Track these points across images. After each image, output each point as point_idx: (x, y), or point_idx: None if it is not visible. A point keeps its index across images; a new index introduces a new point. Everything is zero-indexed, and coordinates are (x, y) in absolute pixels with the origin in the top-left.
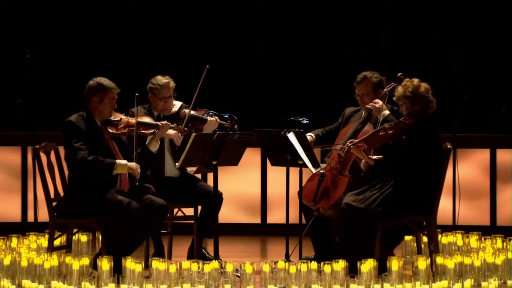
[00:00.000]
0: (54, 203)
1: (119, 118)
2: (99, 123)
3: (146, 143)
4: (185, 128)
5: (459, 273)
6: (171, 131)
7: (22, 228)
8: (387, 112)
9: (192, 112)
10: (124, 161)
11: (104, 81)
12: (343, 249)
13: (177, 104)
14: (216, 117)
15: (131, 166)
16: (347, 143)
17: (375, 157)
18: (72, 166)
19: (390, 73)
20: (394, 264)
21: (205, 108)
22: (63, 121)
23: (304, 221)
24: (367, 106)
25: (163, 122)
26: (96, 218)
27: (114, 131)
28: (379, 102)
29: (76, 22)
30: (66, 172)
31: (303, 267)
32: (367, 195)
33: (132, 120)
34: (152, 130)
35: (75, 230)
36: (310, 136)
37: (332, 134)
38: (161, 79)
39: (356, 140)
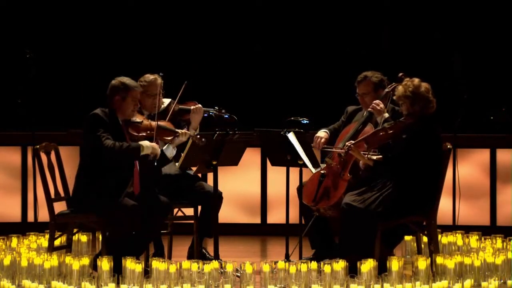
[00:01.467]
0: (55, 203)
1: (140, 120)
2: (121, 122)
3: (163, 149)
4: (203, 140)
5: (459, 273)
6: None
7: (22, 228)
8: (386, 114)
9: (178, 105)
10: (147, 142)
11: (127, 80)
12: (343, 249)
13: (165, 102)
14: (200, 105)
15: (154, 146)
16: (347, 143)
17: (375, 157)
18: (99, 154)
19: (390, 73)
20: (394, 264)
21: (194, 101)
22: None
23: (303, 221)
24: (368, 109)
25: (182, 130)
26: (97, 216)
27: (134, 133)
28: (380, 104)
29: (76, 22)
30: (66, 172)
31: (303, 267)
32: (367, 195)
33: (153, 123)
34: (171, 137)
35: (75, 230)
36: (325, 132)
37: (338, 133)
38: (149, 76)
39: (356, 140)
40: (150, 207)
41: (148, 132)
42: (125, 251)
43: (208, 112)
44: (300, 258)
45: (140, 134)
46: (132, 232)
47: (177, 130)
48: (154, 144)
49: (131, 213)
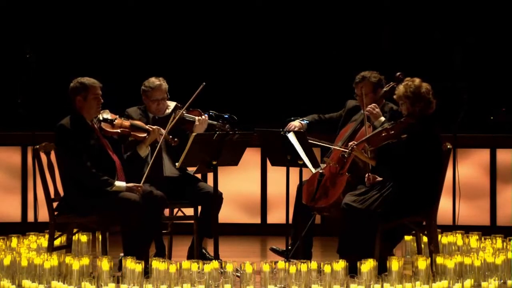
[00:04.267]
0: (55, 204)
1: (114, 118)
2: (89, 122)
3: (137, 148)
4: (175, 139)
5: (459, 273)
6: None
7: (22, 228)
8: (383, 118)
9: (184, 113)
10: (123, 185)
11: (84, 79)
12: (343, 249)
13: (171, 105)
14: (206, 116)
15: (129, 187)
16: (350, 144)
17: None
18: (70, 174)
19: (390, 73)
20: (394, 264)
21: (200, 108)
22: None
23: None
24: (365, 113)
25: (154, 127)
26: (97, 215)
27: (109, 129)
28: (376, 108)
29: (76, 22)
30: None
31: (303, 267)
32: (367, 195)
33: (126, 122)
34: (144, 135)
35: (75, 230)
36: (300, 123)
37: (333, 122)
38: (154, 81)
39: (359, 141)
40: (145, 202)
41: (121, 129)
42: (129, 251)
43: (210, 116)
44: (300, 258)
45: (113, 131)
46: (135, 226)
47: (149, 127)
48: (130, 185)
49: (131, 206)
